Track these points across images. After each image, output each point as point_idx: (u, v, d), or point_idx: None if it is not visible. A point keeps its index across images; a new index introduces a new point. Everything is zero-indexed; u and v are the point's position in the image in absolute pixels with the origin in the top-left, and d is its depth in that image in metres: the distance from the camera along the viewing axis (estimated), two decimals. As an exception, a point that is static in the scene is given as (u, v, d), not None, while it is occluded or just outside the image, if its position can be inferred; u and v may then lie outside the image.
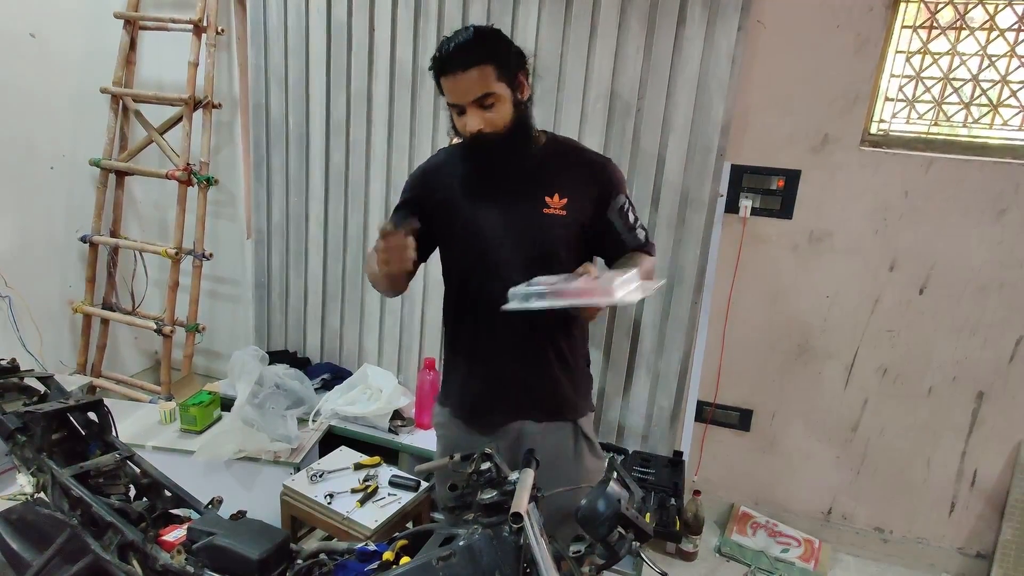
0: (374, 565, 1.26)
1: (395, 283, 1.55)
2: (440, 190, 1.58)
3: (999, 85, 2.30)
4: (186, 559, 1.35)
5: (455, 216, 1.56)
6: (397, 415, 2.74)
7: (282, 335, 3.22)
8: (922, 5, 2.30)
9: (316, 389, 2.87)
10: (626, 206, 1.56)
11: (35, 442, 1.57)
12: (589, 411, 1.69)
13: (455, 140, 2.81)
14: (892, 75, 2.38)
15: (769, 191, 2.51)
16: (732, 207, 2.54)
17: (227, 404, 2.63)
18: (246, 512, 1.47)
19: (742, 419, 2.75)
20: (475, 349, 1.61)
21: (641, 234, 1.58)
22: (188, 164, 2.86)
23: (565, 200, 1.50)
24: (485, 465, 1.19)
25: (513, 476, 1.13)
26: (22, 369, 1.83)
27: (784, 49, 2.38)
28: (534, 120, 1.53)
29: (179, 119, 2.92)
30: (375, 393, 2.79)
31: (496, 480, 1.16)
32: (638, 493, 1.15)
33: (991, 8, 2.24)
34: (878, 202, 2.41)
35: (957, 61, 2.32)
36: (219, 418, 2.61)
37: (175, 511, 1.58)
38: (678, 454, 2.71)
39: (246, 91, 3.04)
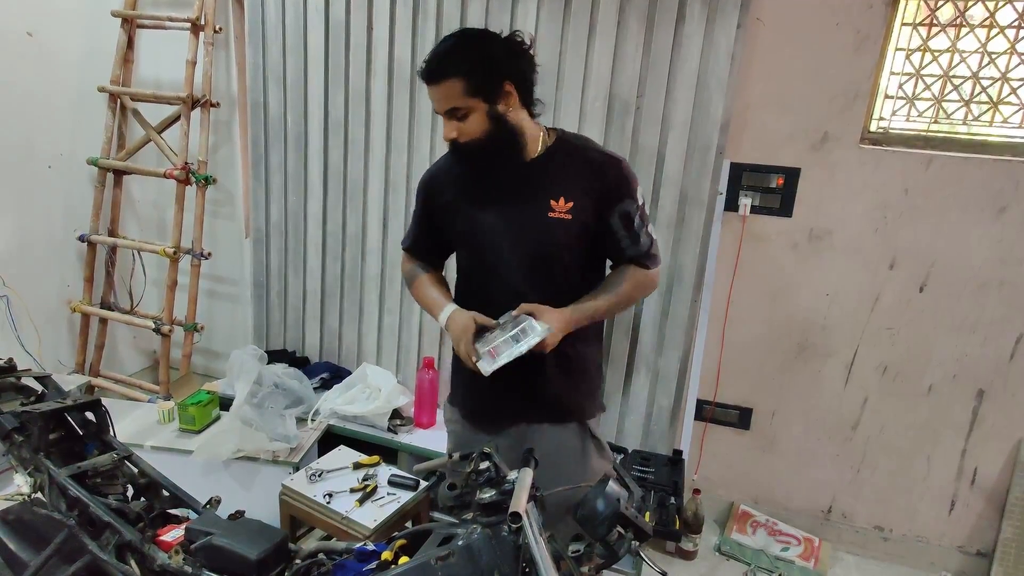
0: (372, 565, 1.26)
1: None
2: (444, 193, 1.61)
3: (999, 82, 2.29)
4: (184, 559, 1.34)
5: (457, 218, 1.59)
6: (396, 414, 2.74)
7: (281, 334, 3.21)
8: (922, 2, 2.29)
9: (315, 388, 2.87)
10: (632, 211, 1.52)
11: (32, 442, 1.56)
12: (598, 412, 1.67)
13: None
14: (892, 72, 2.37)
15: (769, 189, 2.50)
16: (732, 205, 2.53)
17: (226, 403, 2.63)
18: (244, 512, 1.47)
19: (742, 418, 2.75)
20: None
21: (645, 243, 1.54)
22: (186, 163, 2.86)
23: (571, 204, 1.48)
24: (484, 464, 1.19)
25: (512, 475, 1.13)
26: (19, 368, 1.82)
27: (783, 47, 2.37)
28: (530, 122, 1.51)
29: (177, 118, 2.91)
30: (374, 392, 2.78)
31: (495, 479, 1.16)
32: (637, 492, 1.14)
33: (991, 5, 2.24)
34: (878, 200, 2.40)
35: (957, 58, 2.32)
36: (218, 418, 2.61)
37: (173, 511, 1.57)
38: (678, 453, 2.70)
39: (244, 90, 3.03)
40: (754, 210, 2.52)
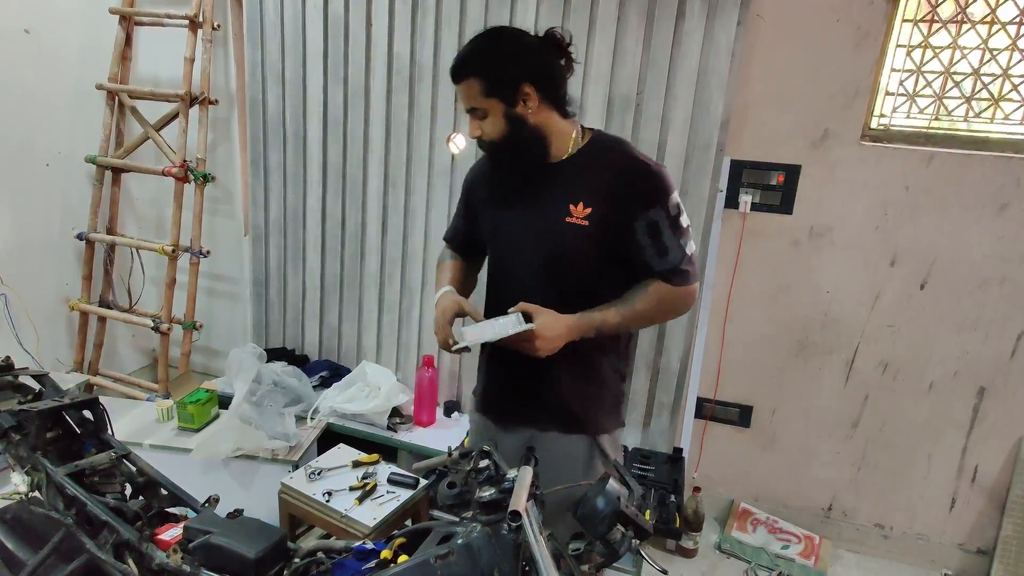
0: (372, 563, 1.25)
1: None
2: (479, 191, 1.63)
3: (1000, 79, 2.28)
4: (182, 558, 1.33)
5: (484, 216, 1.60)
6: (395, 412, 2.73)
7: (280, 332, 3.20)
8: (923, -2, 2.29)
9: (314, 387, 2.87)
10: (661, 223, 1.42)
11: (30, 440, 1.56)
12: (615, 428, 1.59)
13: (452, 138, 2.81)
14: (892, 69, 2.36)
15: (769, 186, 2.49)
16: (732, 202, 2.53)
17: (225, 402, 2.62)
18: (243, 510, 1.46)
19: (742, 415, 2.74)
20: (495, 349, 1.59)
21: (674, 257, 1.43)
22: (185, 161, 2.85)
23: (589, 210, 1.43)
24: (484, 463, 1.18)
25: (512, 474, 1.12)
26: (17, 367, 1.81)
27: (784, 43, 2.37)
28: (560, 122, 1.47)
29: (175, 115, 2.91)
30: (373, 390, 2.78)
31: (495, 478, 1.15)
32: (638, 490, 1.14)
33: (992, 1, 2.23)
34: (879, 197, 2.40)
35: (958, 55, 2.31)
36: (217, 416, 2.60)
37: (171, 510, 1.56)
38: (678, 451, 2.70)
39: (243, 87, 3.02)
40: (754, 207, 2.52)
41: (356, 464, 2.31)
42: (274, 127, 2.96)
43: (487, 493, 1.11)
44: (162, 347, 2.98)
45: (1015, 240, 2.30)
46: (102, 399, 1.72)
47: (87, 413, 1.68)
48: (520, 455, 1.24)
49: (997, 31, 2.25)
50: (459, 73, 1.42)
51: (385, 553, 1.23)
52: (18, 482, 1.57)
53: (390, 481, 2.24)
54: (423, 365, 2.79)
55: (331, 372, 3.02)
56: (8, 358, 1.82)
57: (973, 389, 2.46)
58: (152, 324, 2.94)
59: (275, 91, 2.91)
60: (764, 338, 2.64)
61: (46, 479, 1.51)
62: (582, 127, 1.52)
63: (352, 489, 2.18)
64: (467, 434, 2.03)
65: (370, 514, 2.08)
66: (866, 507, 2.69)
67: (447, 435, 2.70)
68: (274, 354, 3.02)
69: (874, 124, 2.40)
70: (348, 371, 2.98)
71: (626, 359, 1.62)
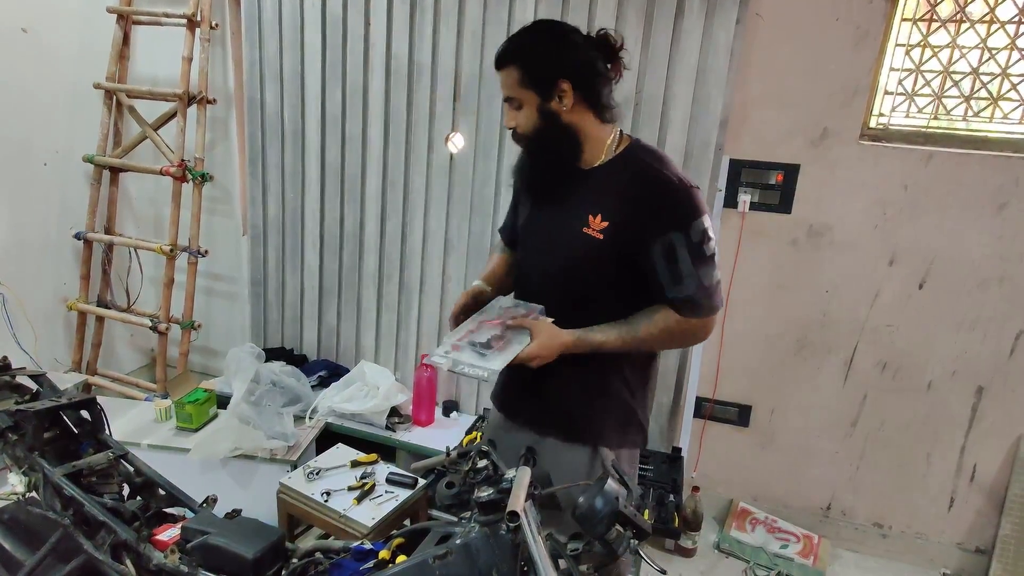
0: (370, 564, 1.25)
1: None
2: (520, 182, 1.61)
3: (999, 78, 2.28)
4: (180, 558, 1.33)
5: (522, 211, 1.60)
6: (394, 412, 2.73)
7: (279, 332, 3.20)
8: (922, -3, 2.28)
9: (313, 386, 2.86)
10: (679, 248, 1.34)
11: (27, 441, 1.55)
12: (623, 445, 1.52)
13: (450, 138, 2.81)
14: (891, 68, 2.36)
15: (768, 185, 2.49)
16: (731, 201, 2.52)
17: (223, 402, 2.62)
18: (241, 511, 1.46)
19: (741, 415, 2.74)
20: None
21: (688, 287, 1.35)
22: (183, 160, 2.84)
23: (607, 224, 1.38)
24: (482, 463, 1.18)
25: (510, 474, 1.12)
26: (14, 367, 1.81)
27: (783, 42, 2.36)
28: (596, 127, 1.42)
29: (173, 115, 2.90)
30: (372, 390, 2.78)
31: (493, 478, 1.15)
32: (636, 490, 1.14)
33: (991, 1, 2.23)
34: (877, 196, 2.40)
35: (957, 54, 2.31)
36: (215, 416, 2.60)
37: (169, 510, 1.56)
38: (677, 450, 2.70)
39: (241, 86, 3.02)
40: (753, 207, 2.52)
41: (354, 464, 2.31)
42: (272, 126, 2.96)
43: (485, 493, 1.10)
44: (160, 347, 2.97)
45: (1014, 239, 2.30)
46: (100, 399, 1.71)
47: (85, 413, 1.68)
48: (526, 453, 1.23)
49: (996, 30, 2.25)
50: (501, 60, 1.42)
51: (383, 553, 1.23)
52: (15, 482, 1.57)
53: (388, 481, 2.24)
54: (422, 365, 2.78)
55: (329, 372, 3.01)
56: (5, 358, 1.81)
57: (972, 388, 2.46)
58: (150, 324, 2.94)
59: (273, 90, 2.91)
60: (763, 337, 2.64)
61: (43, 479, 1.50)
62: (620, 132, 1.47)
63: (351, 489, 2.18)
64: (466, 432, 2.03)
65: (368, 514, 2.08)
66: (865, 506, 2.69)
67: (446, 435, 2.70)
68: (272, 354, 3.01)
69: (873, 123, 2.40)
70: (347, 371, 2.97)
71: (640, 376, 1.54)
